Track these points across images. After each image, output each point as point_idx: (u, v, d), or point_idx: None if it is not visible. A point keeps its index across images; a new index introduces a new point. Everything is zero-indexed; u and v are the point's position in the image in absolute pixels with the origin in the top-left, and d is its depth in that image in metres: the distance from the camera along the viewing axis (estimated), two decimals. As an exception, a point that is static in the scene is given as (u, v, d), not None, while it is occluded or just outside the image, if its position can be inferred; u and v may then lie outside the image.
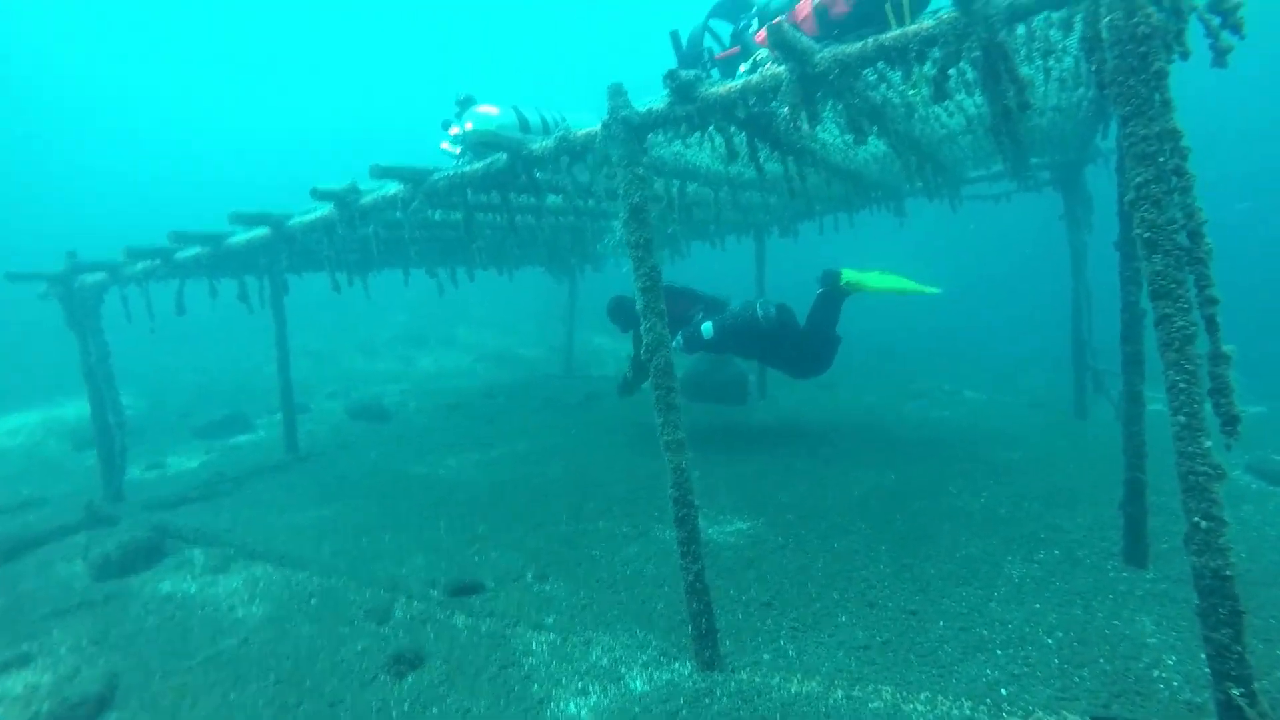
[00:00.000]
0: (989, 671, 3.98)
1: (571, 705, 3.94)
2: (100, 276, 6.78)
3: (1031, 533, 5.86)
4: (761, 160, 4.75)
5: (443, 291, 9.81)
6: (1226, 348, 3.01)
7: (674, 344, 7.93)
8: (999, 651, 4.18)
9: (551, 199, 6.48)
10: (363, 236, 5.18)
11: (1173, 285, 3.00)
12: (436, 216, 6.36)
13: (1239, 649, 3.06)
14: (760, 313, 7.84)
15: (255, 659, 4.59)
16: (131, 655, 4.76)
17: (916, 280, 7.35)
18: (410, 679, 4.29)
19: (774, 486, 7.26)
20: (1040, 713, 3.57)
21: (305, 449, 9.46)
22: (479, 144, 4.72)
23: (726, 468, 7.98)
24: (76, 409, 11.08)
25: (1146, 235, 3.02)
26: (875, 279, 7.48)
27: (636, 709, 3.85)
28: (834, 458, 8.25)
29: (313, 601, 5.26)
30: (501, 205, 5.51)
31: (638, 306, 4.10)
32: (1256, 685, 3.10)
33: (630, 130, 4.05)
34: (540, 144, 4.50)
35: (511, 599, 5.17)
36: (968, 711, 3.62)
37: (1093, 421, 9.93)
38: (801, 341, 7.95)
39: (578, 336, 19.04)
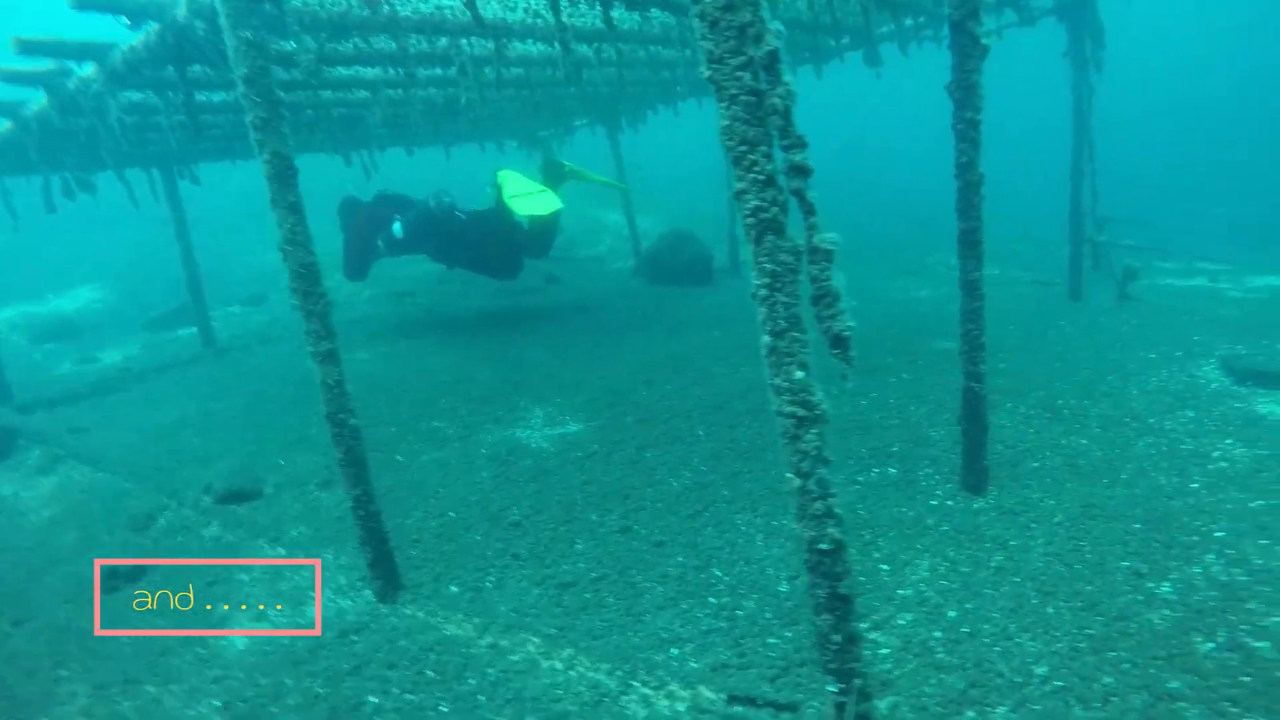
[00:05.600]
0: (679, 626, 3.37)
1: (237, 625, 3.67)
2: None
3: (884, 446, 5.01)
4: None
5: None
6: (825, 238, 2.10)
7: (379, 246, 8.81)
8: (713, 600, 3.55)
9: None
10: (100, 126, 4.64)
11: (744, 148, 2.08)
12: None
13: (837, 639, 2.33)
14: (433, 203, 8.47)
15: (2, 568, 4.56)
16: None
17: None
18: (122, 592, 4.13)
19: (646, 382, 6.60)
20: (675, 684, 2.97)
21: (228, 343, 9.46)
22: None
23: (615, 361, 7.36)
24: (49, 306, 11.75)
25: (708, 72, 2.08)
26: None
27: (293, 640, 3.53)
28: (745, 349, 7.41)
29: (94, 506, 5.18)
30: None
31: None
32: (860, 684, 2.37)
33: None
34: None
35: (278, 508, 4.92)
36: (602, 676, 3.07)
37: (1087, 305, 8.49)
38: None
39: (585, 210, 18.09)
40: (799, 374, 2.18)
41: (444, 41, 4.93)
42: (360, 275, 9.35)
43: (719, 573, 3.75)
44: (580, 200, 17.51)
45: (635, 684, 3.00)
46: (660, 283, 10.86)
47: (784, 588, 3.60)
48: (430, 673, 3.21)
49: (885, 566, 3.69)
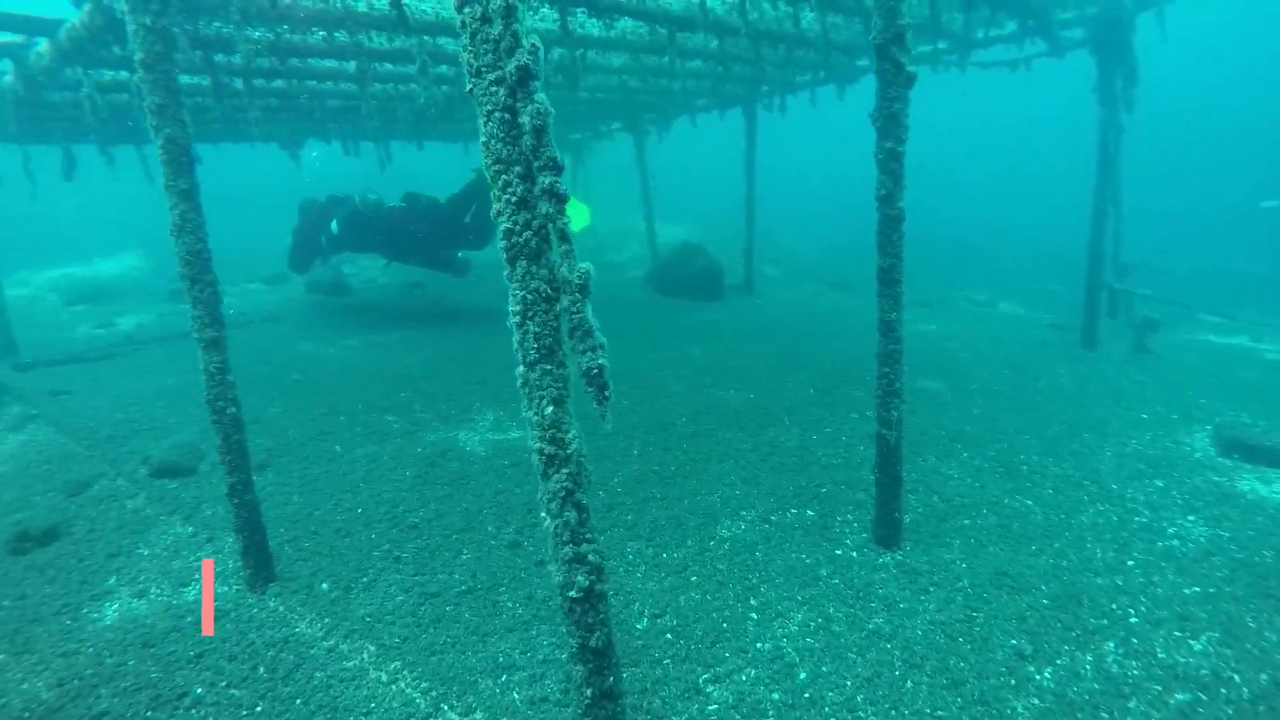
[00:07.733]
0: (519, 652, 3.28)
1: (114, 606, 3.73)
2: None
3: (814, 485, 4.79)
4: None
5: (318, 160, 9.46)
6: (578, 269, 1.98)
7: (322, 243, 9.27)
8: (565, 628, 3.41)
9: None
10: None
11: (499, 167, 1.98)
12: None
13: (588, 693, 2.21)
14: (358, 200, 8.70)
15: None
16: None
17: None
18: (28, 557, 4.25)
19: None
20: (481, 714, 2.87)
21: (234, 319, 9.69)
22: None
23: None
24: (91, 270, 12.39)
25: (469, 85, 1.98)
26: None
27: (157, 620, 3.57)
28: (717, 368, 7.24)
29: (42, 468, 5.36)
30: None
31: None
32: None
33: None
34: None
35: (206, 486, 5.00)
36: (417, 695, 3.00)
37: (1099, 354, 7.98)
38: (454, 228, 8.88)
39: (619, 216, 18.01)
40: (550, 409, 2.06)
41: (402, 40, 4.94)
42: (303, 270, 10.35)
43: (583, 601, 3.62)
44: (614, 206, 17.52)
45: (445, 707, 2.92)
46: (668, 294, 10.74)
47: (642, 624, 3.45)
48: (263, 670, 3.19)
49: (754, 616, 3.50)
